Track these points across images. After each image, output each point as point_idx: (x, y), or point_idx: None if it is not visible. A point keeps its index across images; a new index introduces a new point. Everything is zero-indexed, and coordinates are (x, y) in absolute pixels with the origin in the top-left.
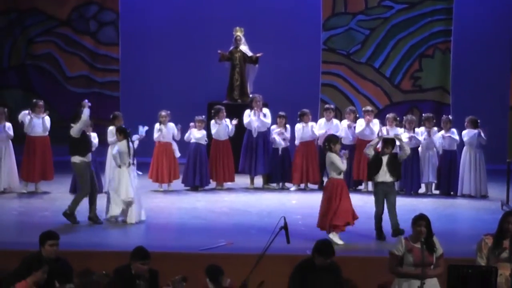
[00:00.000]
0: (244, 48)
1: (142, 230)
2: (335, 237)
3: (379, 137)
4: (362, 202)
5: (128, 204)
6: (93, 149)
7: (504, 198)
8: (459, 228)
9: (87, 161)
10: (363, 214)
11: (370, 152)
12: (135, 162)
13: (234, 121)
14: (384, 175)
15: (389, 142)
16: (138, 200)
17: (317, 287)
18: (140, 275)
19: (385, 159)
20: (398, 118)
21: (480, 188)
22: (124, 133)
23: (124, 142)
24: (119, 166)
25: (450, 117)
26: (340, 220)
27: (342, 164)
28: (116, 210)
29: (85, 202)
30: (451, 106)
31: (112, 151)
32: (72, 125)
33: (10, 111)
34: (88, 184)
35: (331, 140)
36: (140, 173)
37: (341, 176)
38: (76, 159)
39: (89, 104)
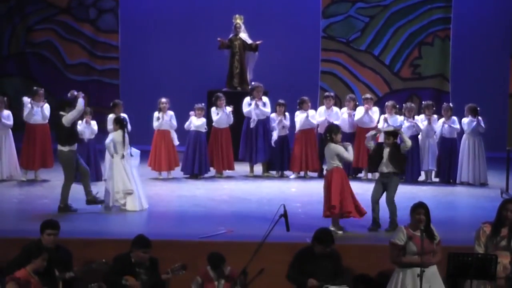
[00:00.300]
0: (243, 35)
1: (142, 218)
2: (336, 226)
3: (377, 130)
4: (362, 190)
5: (127, 194)
6: (93, 136)
7: (503, 186)
8: (458, 216)
9: (74, 150)
10: (363, 202)
11: (370, 144)
12: (130, 152)
13: (229, 108)
14: (384, 166)
15: (390, 133)
16: (138, 188)
17: (316, 275)
18: (140, 263)
19: (386, 150)
20: (397, 106)
21: (480, 176)
22: (120, 123)
23: (120, 132)
24: (112, 156)
25: (451, 104)
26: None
27: (349, 155)
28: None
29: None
30: (450, 93)
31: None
32: (62, 113)
33: (10, 99)
34: (73, 173)
35: (332, 130)
36: (138, 151)
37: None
38: (65, 148)
39: (83, 94)
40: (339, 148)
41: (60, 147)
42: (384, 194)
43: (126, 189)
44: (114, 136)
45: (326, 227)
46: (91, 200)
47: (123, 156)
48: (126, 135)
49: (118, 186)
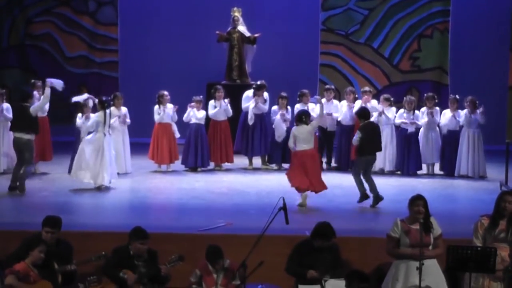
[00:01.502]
0: (242, 28)
1: (141, 210)
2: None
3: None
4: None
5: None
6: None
7: (503, 178)
8: (457, 208)
9: (33, 139)
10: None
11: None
12: (110, 132)
13: (226, 100)
14: None
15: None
16: (107, 164)
17: (315, 267)
18: (139, 255)
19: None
20: (391, 99)
21: (479, 169)
22: (102, 104)
23: (101, 112)
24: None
25: (457, 96)
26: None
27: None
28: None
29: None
30: (449, 86)
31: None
32: (26, 104)
33: (9, 91)
34: (33, 158)
35: (304, 113)
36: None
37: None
38: (30, 136)
39: (51, 82)
40: (314, 123)
41: (21, 135)
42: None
43: (85, 166)
44: (97, 117)
45: (326, 220)
46: (13, 187)
47: (104, 135)
48: (107, 116)
49: (78, 162)
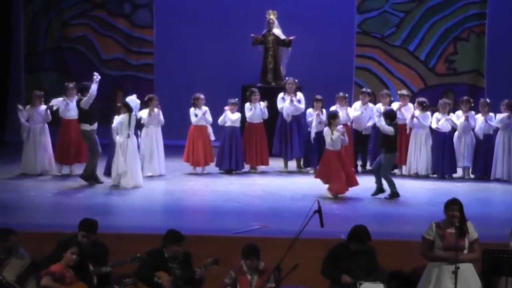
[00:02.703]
0: (277, 31)
1: (176, 212)
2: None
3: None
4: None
5: (122, 174)
6: None
7: None
8: (493, 212)
9: (94, 129)
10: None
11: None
12: (134, 133)
13: (264, 103)
14: None
15: (386, 115)
16: (135, 167)
17: (351, 271)
18: (174, 258)
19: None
20: (426, 103)
21: None
22: (127, 107)
23: (127, 115)
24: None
25: (488, 100)
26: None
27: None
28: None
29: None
30: (485, 89)
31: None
32: (82, 97)
33: (46, 94)
34: (99, 147)
35: (331, 115)
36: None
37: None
38: (86, 127)
39: (98, 78)
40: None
41: (81, 126)
42: None
43: (121, 171)
44: (122, 119)
45: (362, 224)
46: (86, 176)
47: (128, 136)
48: (132, 118)
49: (115, 168)
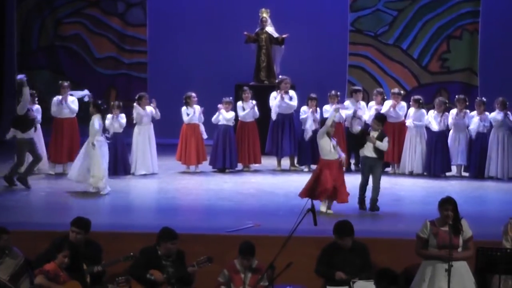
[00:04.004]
0: (270, 29)
1: (169, 211)
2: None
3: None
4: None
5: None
6: (121, 130)
7: None
8: (487, 210)
9: (27, 138)
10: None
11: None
12: (106, 135)
13: (253, 102)
14: (369, 151)
15: (378, 119)
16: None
17: (344, 269)
18: (167, 256)
19: (374, 135)
20: (421, 101)
21: (508, 171)
22: (97, 107)
23: (99, 115)
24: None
25: (484, 99)
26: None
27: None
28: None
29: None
30: (479, 87)
31: (94, 125)
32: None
33: (39, 93)
34: (24, 158)
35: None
36: (108, 135)
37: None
38: (18, 134)
39: (26, 78)
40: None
41: (13, 133)
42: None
43: (102, 174)
44: (100, 121)
45: (345, 219)
46: (8, 177)
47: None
48: (103, 120)
49: (94, 171)
